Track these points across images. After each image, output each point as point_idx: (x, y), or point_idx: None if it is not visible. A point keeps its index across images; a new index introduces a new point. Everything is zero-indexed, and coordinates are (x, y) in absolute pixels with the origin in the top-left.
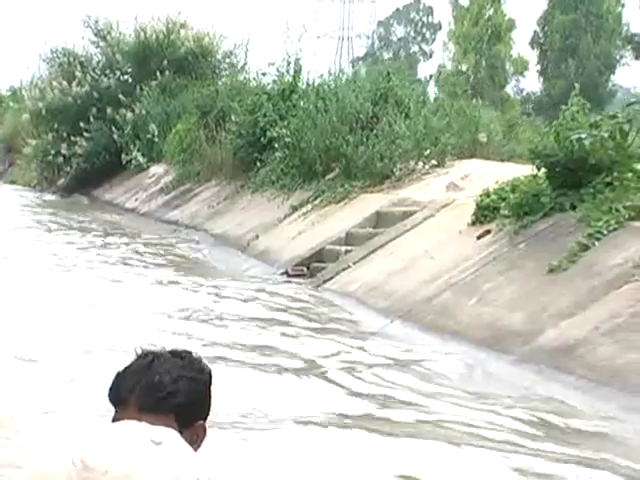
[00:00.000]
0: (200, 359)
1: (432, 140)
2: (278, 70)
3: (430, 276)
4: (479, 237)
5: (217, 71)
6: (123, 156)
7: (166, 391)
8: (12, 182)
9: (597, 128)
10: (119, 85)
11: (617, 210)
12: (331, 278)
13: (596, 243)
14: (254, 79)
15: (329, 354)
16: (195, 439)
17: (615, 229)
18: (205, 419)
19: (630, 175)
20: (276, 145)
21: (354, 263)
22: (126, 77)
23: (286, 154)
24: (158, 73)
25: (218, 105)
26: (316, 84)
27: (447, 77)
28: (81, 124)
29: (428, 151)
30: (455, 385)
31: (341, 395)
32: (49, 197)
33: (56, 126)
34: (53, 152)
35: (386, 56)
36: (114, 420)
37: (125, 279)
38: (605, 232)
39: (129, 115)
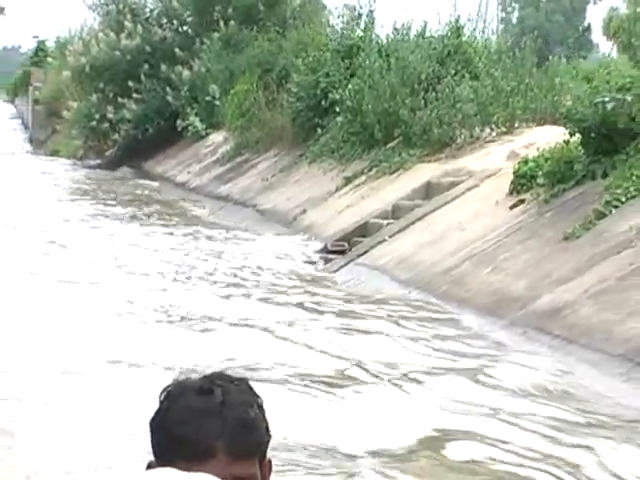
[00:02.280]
0: (248, 381)
1: (501, 104)
2: (347, 22)
3: (456, 248)
4: (512, 207)
5: (289, 22)
6: (179, 122)
7: (261, 429)
8: (54, 152)
9: (628, 91)
10: (176, 37)
11: (638, 177)
12: (365, 252)
13: (613, 211)
14: (322, 32)
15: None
16: (266, 477)
17: (634, 196)
18: None
19: None
20: (337, 109)
21: (390, 236)
22: (184, 28)
23: (347, 119)
24: (221, 23)
25: (280, 62)
26: (383, 40)
27: (620, 22)
28: (130, 84)
29: (495, 117)
30: (437, 346)
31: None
32: (89, 173)
33: (102, 86)
34: (97, 117)
35: None
36: None
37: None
38: (623, 199)
39: (186, 73)
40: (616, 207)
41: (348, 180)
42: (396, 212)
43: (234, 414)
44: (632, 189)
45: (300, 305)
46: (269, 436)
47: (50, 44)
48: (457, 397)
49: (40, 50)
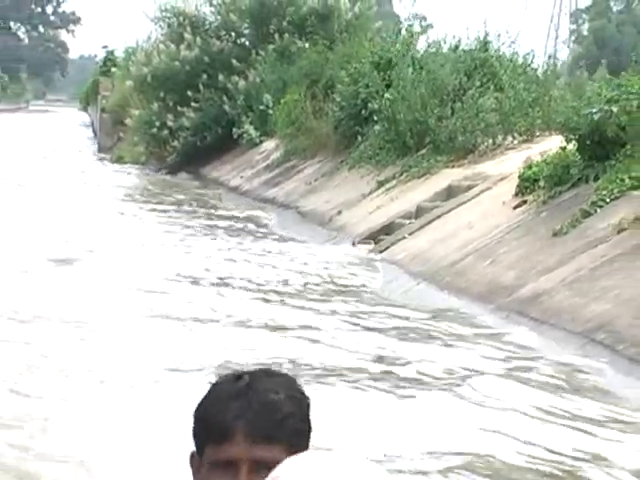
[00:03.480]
0: (295, 379)
1: (523, 114)
2: (389, 37)
3: (463, 244)
4: (515, 207)
5: (337, 36)
6: (234, 129)
7: (283, 412)
8: (120, 158)
9: (615, 102)
10: (233, 49)
11: (622, 180)
12: (387, 248)
13: (598, 210)
14: (364, 46)
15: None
16: None
17: (617, 197)
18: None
19: None
20: (375, 118)
21: (410, 234)
22: (241, 40)
23: (384, 128)
24: (276, 36)
25: (327, 73)
26: (418, 54)
27: None
28: (189, 93)
29: (517, 126)
30: (431, 326)
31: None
32: (149, 177)
33: (162, 95)
34: (158, 124)
35: (616, 8)
36: (211, 461)
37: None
38: (608, 200)
39: (242, 83)
40: (601, 207)
41: (381, 184)
42: (419, 213)
43: (257, 397)
44: (615, 191)
45: (318, 295)
46: (302, 427)
47: (119, 54)
48: (436, 363)
49: (109, 60)
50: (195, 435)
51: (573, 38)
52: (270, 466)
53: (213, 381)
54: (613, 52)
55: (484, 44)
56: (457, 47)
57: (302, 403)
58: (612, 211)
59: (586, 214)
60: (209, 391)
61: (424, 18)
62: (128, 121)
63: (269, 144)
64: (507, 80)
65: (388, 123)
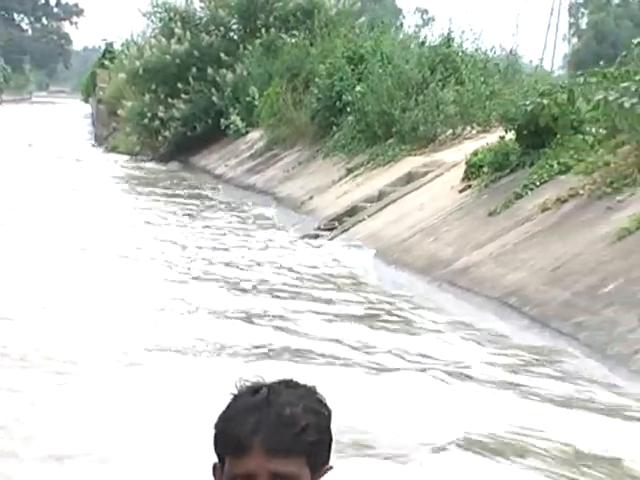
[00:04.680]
0: (316, 389)
1: (481, 106)
2: (360, 32)
3: (413, 224)
4: (461, 191)
5: (322, 30)
6: (222, 120)
7: (300, 425)
8: (114, 148)
9: (547, 96)
10: (221, 43)
11: (551, 166)
12: (347, 230)
13: (529, 192)
14: (342, 41)
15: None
16: None
17: (546, 181)
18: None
19: (579, 137)
20: (349, 110)
21: (369, 216)
22: (230, 34)
23: (355, 119)
24: (263, 30)
25: (307, 67)
26: (387, 50)
27: None
28: (179, 85)
29: (475, 117)
30: (375, 290)
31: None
32: (140, 165)
33: (154, 87)
34: (149, 115)
35: (614, 1)
36: (230, 475)
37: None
38: (538, 184)
39: (230, 76)
40: (531, 189)
41: (350, 171)
42: (380, 197)
43: (273, 411)
44: (545, 175)
45: (280, 269)
46: (323, 442)
47: (117, 47)
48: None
49: (108, 52)
50: (215, 447)
51: (572, 32)
52: (288, 479)
53: (233, 392)
54: (611, 46)
55: (447, 40)
56: (423, 43)
57: (321, 415)
58: (540, 193)
59: (518, 196)
60: (228, 404)
61: (426, 11)
62: (120, 112)
63: (254, 134)
64: (467, 74)
65: (359, 114)
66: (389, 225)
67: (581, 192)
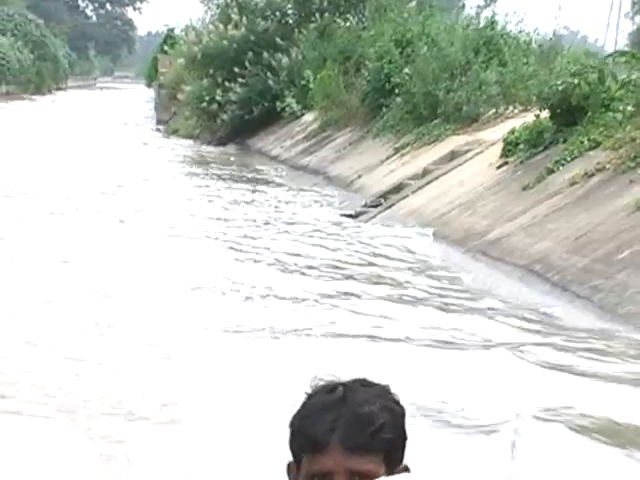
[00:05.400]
0: (390, 388)
1: (522, 87)
2: (406, 15)
3: (453, 199)
4: (498, 167)
5: (368, 15)
6: (278, 103)
7: (378, 423)
8: (175, 131)
9: (579, 76)
10: (277, 28)
11: (581, 142)
12: (392, 206)
13: (560, 168)
14: (393, 23)
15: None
16: None
17: (576, 157)
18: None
19: (609, 114)
20: (397, 91)
21: (412, 192)
22: (285, 19)
23: (403, 100)
24: (317, 15)
25: (358, 51)
26: (431, 32)
27: None
28: (236, 69)
29: (517, 97)
30: (415, 259)
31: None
32: (200, 148)
33: (211, 71)
34: (208, 99)
35: None
36: (307, 473)
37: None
38: (569, 159)
39: (285, 60)
40: (563, 165)
41: (397, 150)
42: (424, 174)
43: (350, 409)
44: (575, 151)
45: (333, 241)
46: (396, 438)
47: (177, 32)
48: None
49: (169, 38)
50: (291, 445)
51: (635, 10)
52: (365, 476)
53: (308, 391)
54: None
55: (491, 23)
56: (468, 26)
57: (396, 413)
58: (570, 168)
59: (550, 171)
60: (304, 402)
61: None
62: (180, 96)
63: (308, 117)
64: (509, 56)
65: (406, 96)
66: (431, 201)
67: (607, 167)
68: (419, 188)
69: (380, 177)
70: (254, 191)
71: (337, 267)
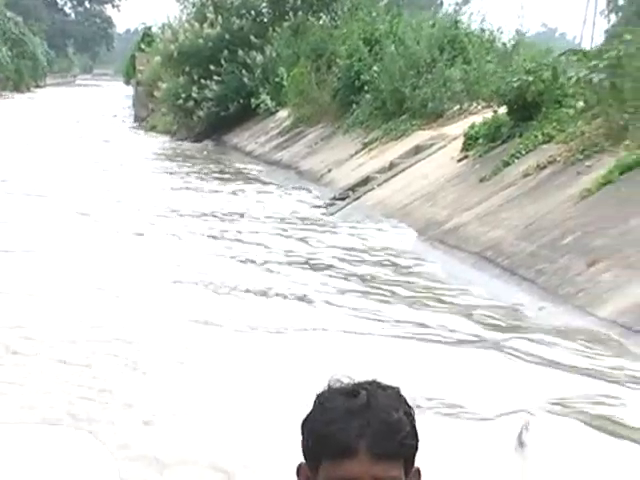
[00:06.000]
0: (400, 391)
1: (485, 83)
2: (375, 14)
3: (415, 191)
4: (459, 160)
5: (340, 14)
6: (253, 100)
7: (405, 431)
8: (153, 128)
9: (533, 73)
10: (252, 26)
11: (536, 136)
12: (358, 198)
13: (515, 161)
14: (361, 23)
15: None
16: None
17: (531, 150)
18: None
19: (562, 110)
20: (366, 88)
21: (378, 185)
22: (260, 18)
23: (372, 97)
24: (291, 14)
25: (330, 49)
26: (400, 31)
27: None
28: (212, 67)
29: (481, 93)
30: (375, 245)
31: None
32: (176, 144)
33: (187, 69)
34: (184, 96)
35: None
36: (328, 478)
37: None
38: (523, 152)
39: (259, 58)
40: (518, 158)
41: (365, 145)
42: (390, 168)
43: (377, 415)
44: (530, 145)
45: (302, 231)
46: (416, 443)
47: (155, 30)
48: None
49: (146, 36)
50: (308, 449)
51: (610, 7)
52: None
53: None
54: None
55: (455, 23)
56: (434, 25)
57: (413, 417)
58: (524, 161)
59: (506, 164)
60: (321, 405)
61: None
62: (157, 93)
63: (283, 113)
64: (473, 54)
65: (375, 93)
66: (395, 193)
67: (558, 159)
68: (385, 181)
69: (349, 171)
70: (227, 185)
71: (303, 259)
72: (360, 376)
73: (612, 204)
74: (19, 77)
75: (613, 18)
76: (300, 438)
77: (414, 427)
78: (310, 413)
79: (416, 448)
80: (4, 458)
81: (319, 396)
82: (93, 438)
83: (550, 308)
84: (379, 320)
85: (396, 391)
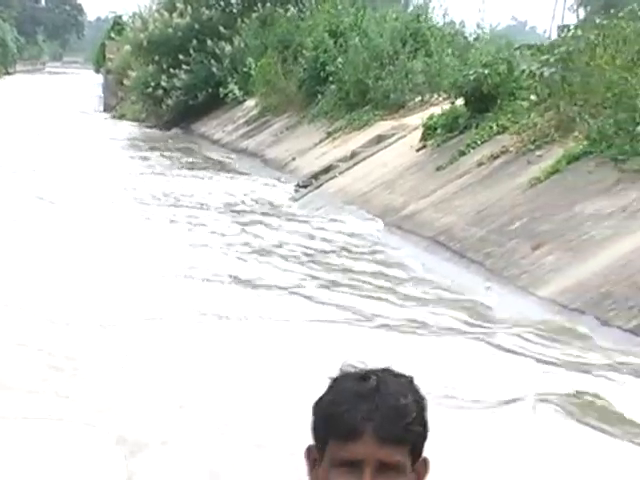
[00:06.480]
0: (414, 380)
1: (447, 76)
2: (340, 7)
3: (375, 179)
4: (418, 150)
5: (308, 6)
6: (221, 89)
7: (411, 416)
8: (122, 116)
9: (489, 67)
10: (221, 17)
11: (491, 127)
12: (320, 185)
13: (471, 150)
14: (327, 15)
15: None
16: (419, 478)
17: (486, 141)
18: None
19: (517, 102)
20: (331, 79)
21: (340, 173)
22: (228, 8)
23: (337, 87)
24: (259, 5)
25: (297, 40)
26: (364, 24)
27: None
28: (181, 56)
29: (442, 85)
30: (333, 230)
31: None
32: (145, 132)
33: (157, 58)
34: (153, 84)
35: None
36: (334, 459)
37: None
38: (479, 143)
39: (228, 48)
40: (473, 148)
41: (329, 135)
42: (352, 157)
43: (385, 400)
44: (485, 136)
45: (266, 217)
46: (424, 432)
47: (125, 19)
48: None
49: (117, 25)
50: (316, 429)
51: (579, 2)
52: (393, 468)
53: (332, 376)
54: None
55: (417, 16)
56: (397, 18)
57: (423, 406)
58: (479, 151)
59: (462, 154)
60: (332, 388)
61: None
62: (126, 82)
63: (250, 102)
64: (435, 47)
65: (339, 84)
66: (356, 180)
67: (511, 149)
68: (347, 169)
69: (312, 159)
70: (191, 172)
71: (259, 244)
72: (372, 363)
73: (558, 192)
74: None
75: (582, 13)
76: (310, 421)
77: (423, 416)
78: (322, 395)
79: (424, 437)
80: (12, 453)
81: (333, 379)
82: (100, 432)
83: (495, 288)
84: (326, 304)
85: (408, 379)
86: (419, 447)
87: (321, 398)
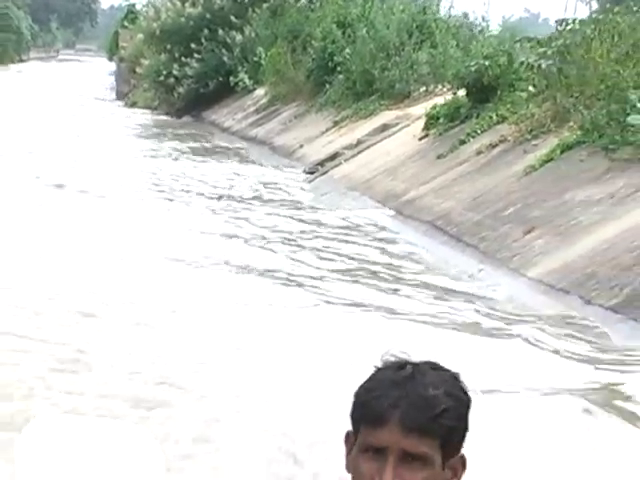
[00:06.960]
0: (460, 376)
1: (451, 67)
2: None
3: (378, 166)
4: (420, 139)
5: None
6: (231, 78)
7: (441, 408)
8: (134, 103)
9: (490, 58)
10: (232, 6)
11: (491, 117)
12: (326, 172)
13: (471, 139)
14: (335, 6)
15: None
16: (455, 474)
17: (485, 130)
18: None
19: (516, 93)
20: (339, 69)
21: (345, 161)
22: None
23: (344, 77)
24: None
25: (306, 30)
26: (371, 16)
27: None
28: (193, 45)
29: (447, 76)
30: (336, 214)
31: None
32: (156, 119)
33: (169, 47)
34: (165, 73)
35: None
36: (362, 444)
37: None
38: (479, 132)
39: (239, 37)
40: (473, 137)
41: (336, 123)
42: (358, 145)
43: (415, 389)
44: (485, 125)
45: (272, 202)
46: (459, 427)
47: (138, 8)
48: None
49: (130, 13)
50: (353, 415)
51: None
52: (419, 459)
53: (377, 365)
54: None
55: (423, 9)
56: (404, 10)
57: (461, 401)
58: (479, 140)
59: (462, 142)
60: (371, 375)
61: None
62: (139, 70)
63: (260, 91)
64: (440, 39)
65: (347, 74)
66: (360, 168)
67: (509, 139)
68: (352, 157)
69: (319, 147)
70: (203, 158)
71: (265, 227)
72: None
73: (551, 180)
74: (3, 51)
75: (595, 5)
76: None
77: (460, 411)
78: (362, 383)
79: (460, 433)
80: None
81: (375, 369)
82: (139, 429)
83: (488, 270)
84: (323, 289)
85: (450, 374)
86: (453, 443)
87: (361, 385)
